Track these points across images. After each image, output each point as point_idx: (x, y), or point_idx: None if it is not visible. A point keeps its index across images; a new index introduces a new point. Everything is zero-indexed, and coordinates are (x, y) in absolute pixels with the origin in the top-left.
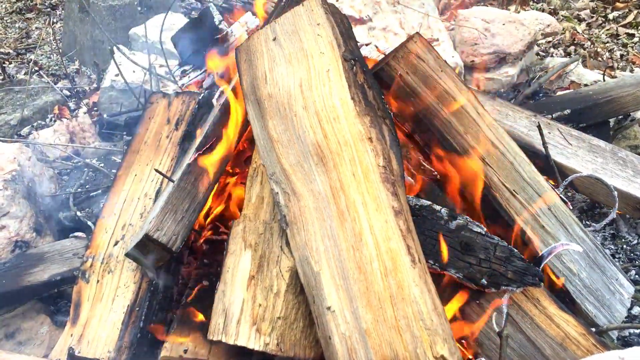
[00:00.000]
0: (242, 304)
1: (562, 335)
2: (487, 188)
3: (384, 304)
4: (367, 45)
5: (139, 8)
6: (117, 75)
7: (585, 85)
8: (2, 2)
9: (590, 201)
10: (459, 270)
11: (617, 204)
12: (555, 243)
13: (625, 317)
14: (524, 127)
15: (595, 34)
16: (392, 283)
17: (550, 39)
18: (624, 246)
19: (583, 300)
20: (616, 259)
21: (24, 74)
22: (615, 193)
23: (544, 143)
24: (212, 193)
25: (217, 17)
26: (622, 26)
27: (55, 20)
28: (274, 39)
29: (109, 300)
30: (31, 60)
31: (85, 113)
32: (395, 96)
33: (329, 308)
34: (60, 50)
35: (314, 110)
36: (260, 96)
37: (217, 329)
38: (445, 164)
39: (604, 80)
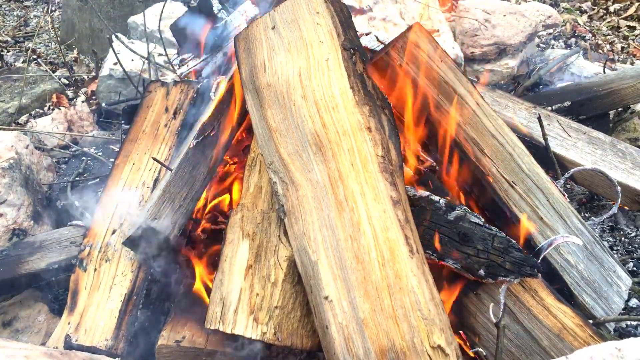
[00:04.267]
0: (239, 293)
1: (559, 326)
2: (486, 179)
3: (381, 293)
4: (366, 35)
5: None
6: (115, 63)
7: (586, 77)
8: None
9: (589, 193)
10: (456, 261)
11: (619, 199)
12: (554, 235)
13: (622, 309)
14: (524, 119)
15: (596, 26)
16: (390, 273)
17: (551, 30)
18: (622, 238)
19: (580, 291)
20: (614, 251)
21: (22, 62)
22: (619, 188)
23: (544, 135)
24: (211, 182)
25: (216, 5)
26: (623, 19)
27: (53, 9)
28: (273, 28)
29: (106, 288)
30: (29, 48)
31: (83, 102)
32: (394, 86)
33: (326, 298)
34: (59, 38)
35: (313, 100)
36: (259, 85)
37: (215, 318)
38: (443, 154)
39: (605, 73)
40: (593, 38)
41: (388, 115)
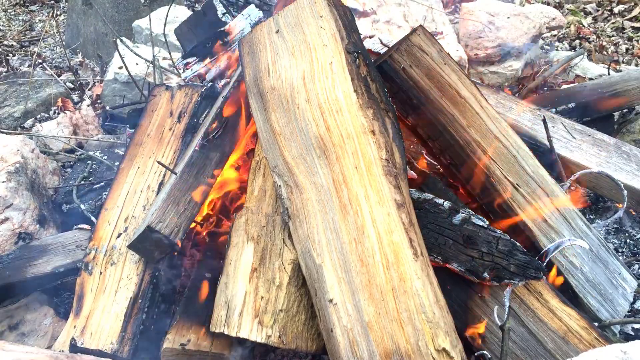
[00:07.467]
0: (244, 296)
1: (564, 328)
2: (490, 181)
3: (385, 296)
4: (370, 37)
5: (143, 0)
6: (120, 67)
7: (590, 79)
8: None
9: (593, 195)
10: (461, 264)
11: (625, 203)
12: (558, 237)
13: (628, 311)
14: (528, 121)
15: (601, 27)
16: (394, 276)
17: (555, 32)
18: (628, 240)
19: (585, 294)
20: (619, 253)
21: (28, 67)
22: (625, 192)
23: (549, 137)
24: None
25: (221, 9)
26: (627, 20)
27: (58, 13)
28: (277, 32)
29: (111, 292)
30: (35, 52)
31: (88, 105)
32: (398, 89)
33: (331, 301)
34: (64, 42)
35: (317, 103)
36: (263, 89)
37: (220, 321)
38: (447, 157)
39: (609, 74)
40: (597, 39)
41: (392, 118)
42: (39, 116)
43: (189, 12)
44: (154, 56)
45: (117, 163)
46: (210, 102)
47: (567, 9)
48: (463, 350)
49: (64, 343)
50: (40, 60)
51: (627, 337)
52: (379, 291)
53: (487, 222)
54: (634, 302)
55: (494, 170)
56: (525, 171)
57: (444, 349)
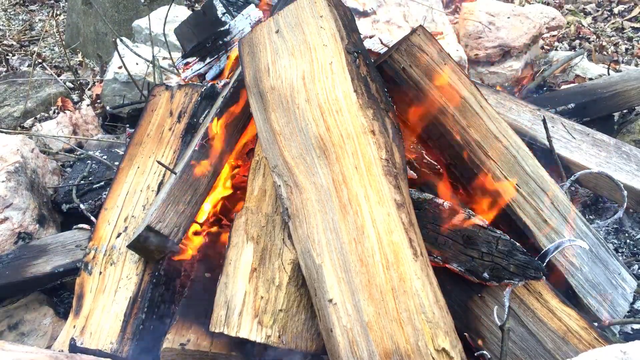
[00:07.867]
0: (244, 296)
1: (564, 328)
2: (489, 182)
3: (385, 296)
4: (370, 37)
5: (143, 0)
6: (120, 67)
7: (590, 79)
8: None
9: (593, 195)
10: (461, 264)
11: (625, 203)
12: (558, 237)
13: (628, 312)
14: (528, 121)
15: (601, 27)
16: (394, 276)
17: (555, 32)
18: (627, 240)
19: (585, 294)
20: (619, 254)
21: (27, 66)
22: (625, 193)
23: (549, 137)
24: (215, 185)
25: (221, 9)
26: (627, 20)
27: (58, 12)
28: (277, 32)
29: (111, 291)
30: (34, 52)
31: (88, 105)
32: (398, 89)
33: (330, 300)
34: (64, 42)
35: (317, 103)
36: (263, 89)
37: (219, 321)
38: (447, 157)
39: (609, 74)
40: (597, 40)
41: (392, 118)
42: (38, 116)
43: (189, 12)
44: (153, 56)
45: (116, 163)
46: (210, 102)
47: (567, 9)
48: (463, 350)
49: (63, 343)
50: (40, 60)
51: (627, 337)
52: (379, 291)
53: (487, 222)
54: (633, 302)
55: (493, 171)
56: (525, 171)
57: (443, 349)
